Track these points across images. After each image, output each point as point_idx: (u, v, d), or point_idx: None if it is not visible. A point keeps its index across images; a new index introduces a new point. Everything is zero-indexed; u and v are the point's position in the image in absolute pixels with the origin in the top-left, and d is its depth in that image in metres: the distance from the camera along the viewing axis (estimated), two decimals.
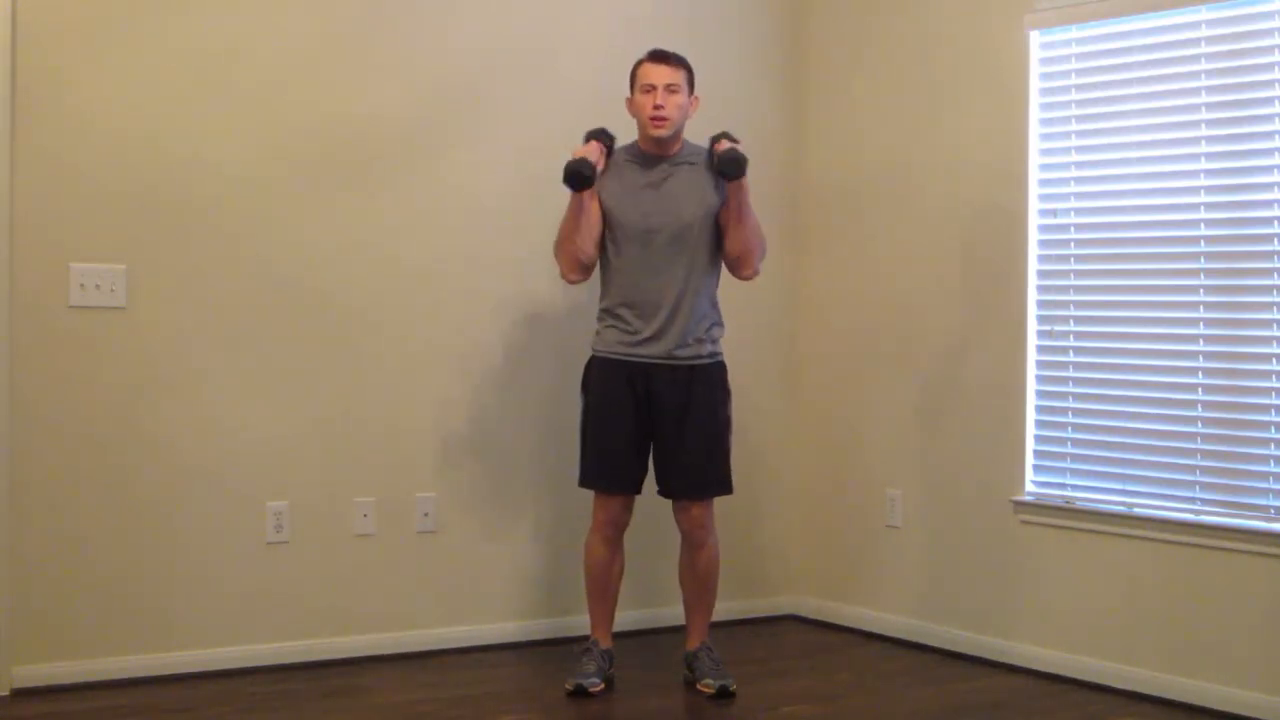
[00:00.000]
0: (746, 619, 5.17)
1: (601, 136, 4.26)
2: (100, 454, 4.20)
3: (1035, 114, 4.56)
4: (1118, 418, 4.37)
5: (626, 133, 4.35)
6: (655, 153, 4.25)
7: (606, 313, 4.27)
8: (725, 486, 4.31)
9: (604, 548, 4.29)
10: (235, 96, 4.38)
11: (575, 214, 4.18)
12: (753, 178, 4.39)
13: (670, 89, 4.20)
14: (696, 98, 4.30)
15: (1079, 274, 4.50)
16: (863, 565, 5.12)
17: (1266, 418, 4.05)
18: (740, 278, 4.35)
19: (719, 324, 4.30)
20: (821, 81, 5.31)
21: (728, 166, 4.14)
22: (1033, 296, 4.58)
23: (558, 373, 4.72)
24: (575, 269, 4.26)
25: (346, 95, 4.54)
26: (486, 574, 4.78)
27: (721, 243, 4.27)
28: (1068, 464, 4.51)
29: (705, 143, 4.30)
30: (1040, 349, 4.57)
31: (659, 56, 4.25)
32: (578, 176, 4.11)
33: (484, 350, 4.76)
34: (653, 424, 4.23)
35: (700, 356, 4.23)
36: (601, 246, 4.27)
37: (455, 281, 4.71)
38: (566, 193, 4.30)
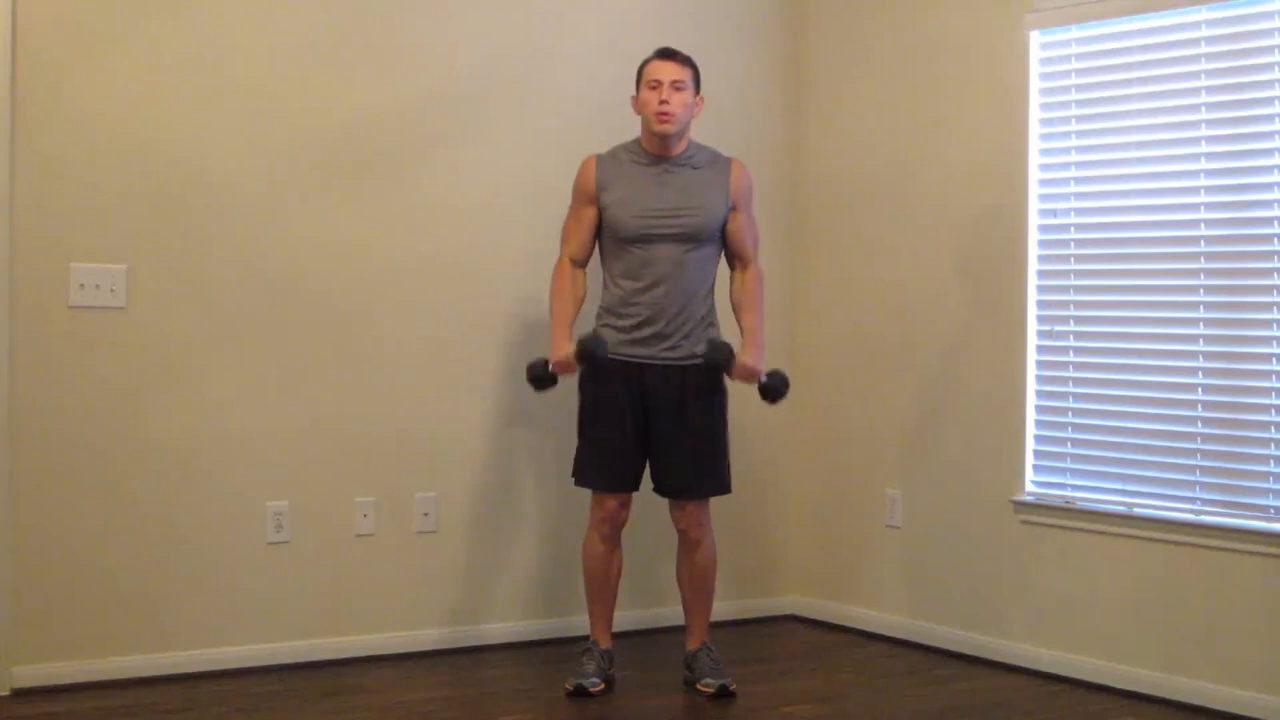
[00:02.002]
0: (746, 619, 5.17)
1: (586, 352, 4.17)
2: (100, 454, 4.20)
3: (1035, 114, 4.56)
4: (1118, 418, 4.37)
5: (626, 133, 4.35)
6: (659, 152, 4.25)
7: (605, 311, 4.27)
8: (723, 486, 4.31)
9: (602, 546, 4.29)
10: (235, 97, 4.38)
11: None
12: (753, 177, 4.40)
13: (676, 85, 4.19)
14: (701, 98, 4.29)
15: (1079, 274, 4.50)
16: (863, 565, 5.12)
17: (1266, 418, 4.05)
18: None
19: (714, 324, 4.30)
20: (821, 82, 5.31)
21: (710, 363, 4.21)
22: (1033, 296, 4.58)
23: None
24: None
25: (348, 95, 4.54)
26: (486, 574, 4.78)
27: (721, 245, 4.28)
28: (1068, 464, 4.51)
29: (713, 145, 4.31)
30: (1040, 349, 4.57)
31: (667, 53, 4.25)
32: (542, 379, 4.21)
33: (484, 350, 4.76)
34: (649, 423, 4.23)
35: (696, 356, 4.23)
36: (601, 245, 4.28)
37: (455, 281, 4.71)
38: (564, 192, 4.31)
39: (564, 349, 4.16)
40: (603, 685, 4.22)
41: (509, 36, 4.80)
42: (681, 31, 4.85)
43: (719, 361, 4.19)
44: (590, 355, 4.13)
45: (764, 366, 4.25)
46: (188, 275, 4.32)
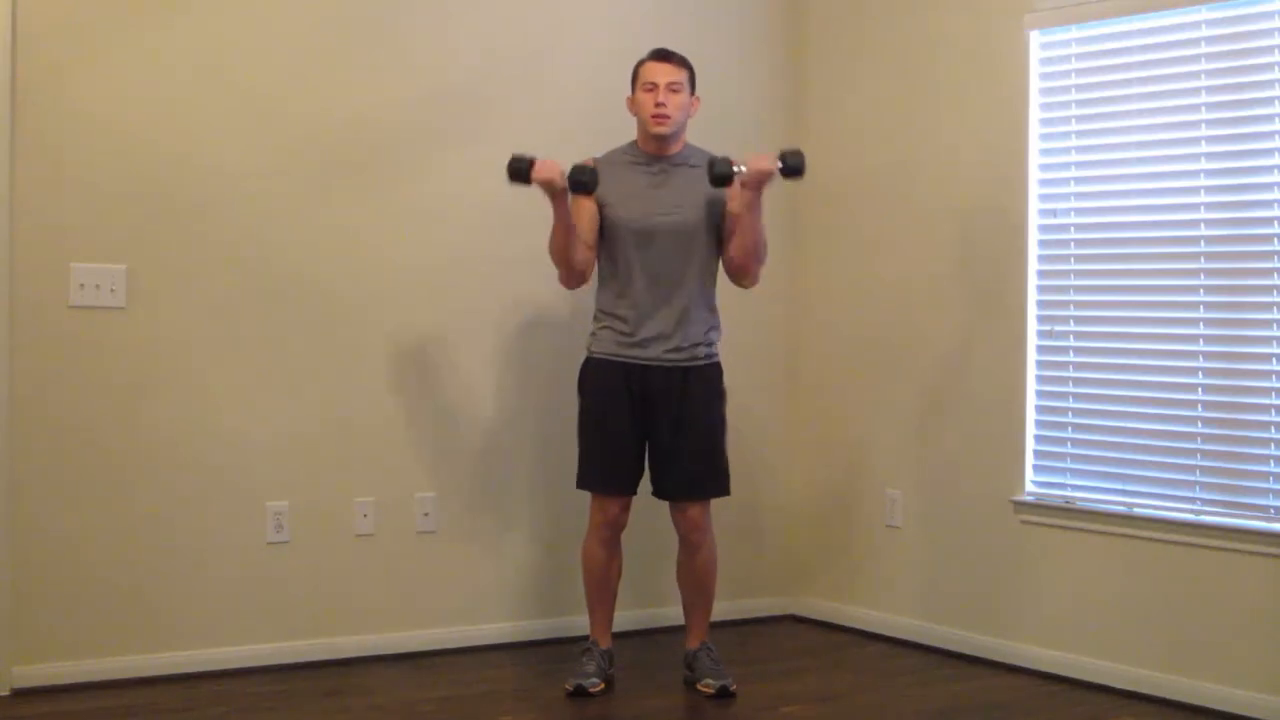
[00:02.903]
0: (746, 619, 5.17)
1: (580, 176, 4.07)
2: (100, 454, 4.20)
3: (1035, 114, 4.56)
4: (1118, 418, 4.37)
5: (626, 133, 4.35)
6: (655, 152, 4.25)
7: (603, 314, 4.27)
8: (722, 488, 4.30)
9: (602, 549, 4.29)
10: (235, 96, 4.38)
11: (562, 223, 4.13)
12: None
13: (672, 87, 4.19)
14: (697, 98, 4.30)
15: (1079, 274, 4.50)
16: (863, 565, 5.12)
17: (1266, 418, 4.05)
18: (740, 286, 4.35)
19: (716, 326, 4.30)
20: (821, 81, 5.31)
21: (718, 173, 4.06)
22: (1033, 296, 4.58)
23: (557, 373, 4.71)
24: (571, 277, 4.24)
25: (348, 95, 4.54)
26: (486, 574, 4.78)
27: (721, 246, 4.27)
28: (1068, 464, 4.51)
29: (707, 146, 4.31)
30: (1040, 349, 4.57)
31: (662, 55, 4.25)
32: (577, 182, 4.03)
33: (483, 350, 4.77)
34: (649, 425, 4.23)
35: (696, 358, 4.23)
36: (599, 247, 4.27)
37: (454, 282, 4.71)
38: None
39: (559, 170, 4.03)
40: (602, 685, 4.22)
41: (509, 36, 4.80)
42: (681, 31, 4.85)
43: (725, 173, 4.04)
44: (579, 183, 4.02)
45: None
46: (188, 275, 4.32)
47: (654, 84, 4.20)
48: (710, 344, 4.27)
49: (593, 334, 4.30)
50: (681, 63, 4.25)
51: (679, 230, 4.18)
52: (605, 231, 4.23)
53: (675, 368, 4.21)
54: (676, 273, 4.19)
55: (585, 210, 4.22)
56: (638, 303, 4.20)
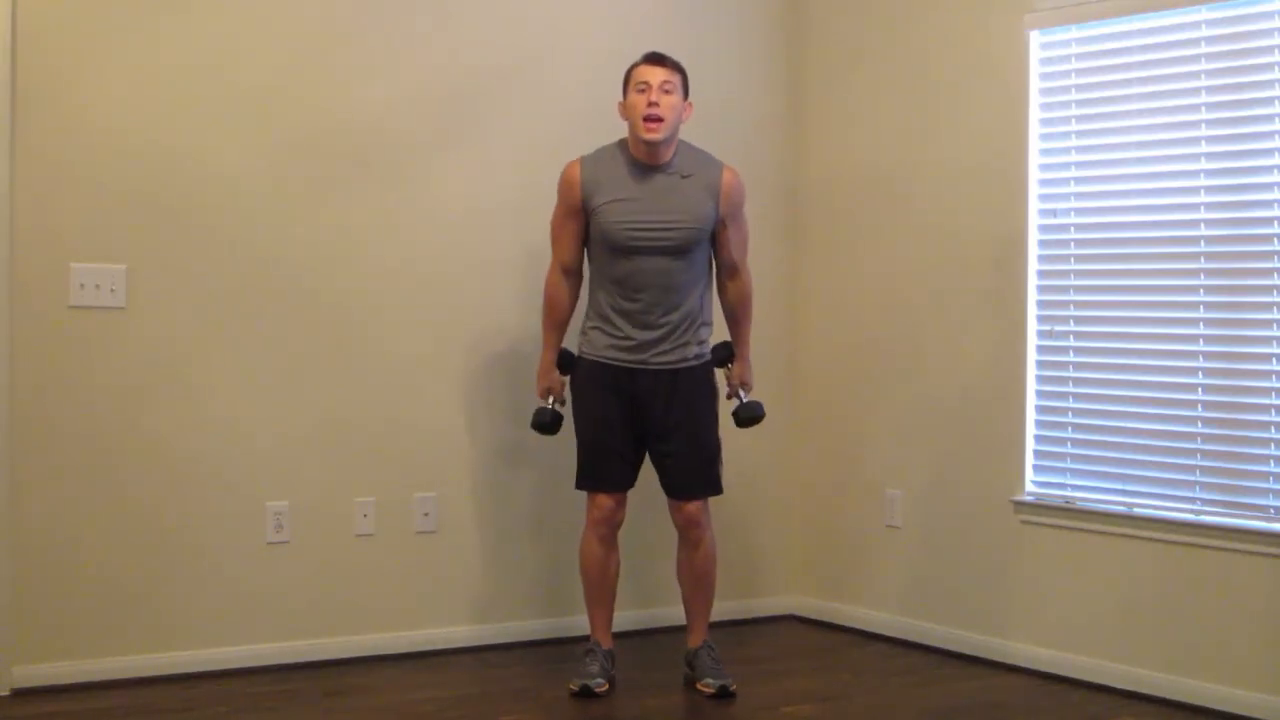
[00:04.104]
0: (746, 619, 5.17)
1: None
2: (100, 454, 4.20)
3: (1035, 114, 4.56)
4: (1118, 418, 4.37)
5: (623, 135, 4.34)
6: (646, 159, 4.19)
7: (594, 315, 4.27)
8: (715, 487, 4.30)
9: (599, 546, 4.29)
10: (235, 97, 4.38)
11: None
12: (753, 178, 4.41)
13: (665, 88, 4.15)
14: (690, 104, 4.25)
15: (1079, 274, 4.50)
16: (863, 565, 5.12)
17: (1266, 418, 4.05)
18: None
19: (708, 323, 4.29)
20: (821, 83, 5.31)
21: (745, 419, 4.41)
22: (1033, 297, 4.58)
23: None
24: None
25: (347, 96, 4.54)
26: (486, 574, 4.78)
27: (713, 251, 4.29)
28: (1068, 464, 4.51)
29: (708, 147, 4.31)
30: (1040, 349, 4.57)
31: (655, 58, 4.21)
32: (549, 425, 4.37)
33: (483, 350, 4.77)
34: (641, 425, 4.24)
35: (686, 359, 4.23)
36: (589, 248, 4.27)
37: (454, 282, 4.71)
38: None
39: (551, 373, 4.34)
40: (607, 685, 4.22)
41: (508, 37, 4.80)
42: (681, 32, 4.86)
43: (724, 357, 4.38)
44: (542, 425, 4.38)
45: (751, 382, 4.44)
46: (188, 275, 4.32)
47: (647, 84, 4.15)
48: (701, 343, 4.27)
49: (584, 334, 4.30)
50: (675, 66, 4.21)
51: (670, 240, 4.15)
52: (595, 236, 4.22)
53: (664, 370, 4.21)
54: (666, 280, 4.17)
55: (572, 229, 4.24)
56: (627, 308, 4.19)
